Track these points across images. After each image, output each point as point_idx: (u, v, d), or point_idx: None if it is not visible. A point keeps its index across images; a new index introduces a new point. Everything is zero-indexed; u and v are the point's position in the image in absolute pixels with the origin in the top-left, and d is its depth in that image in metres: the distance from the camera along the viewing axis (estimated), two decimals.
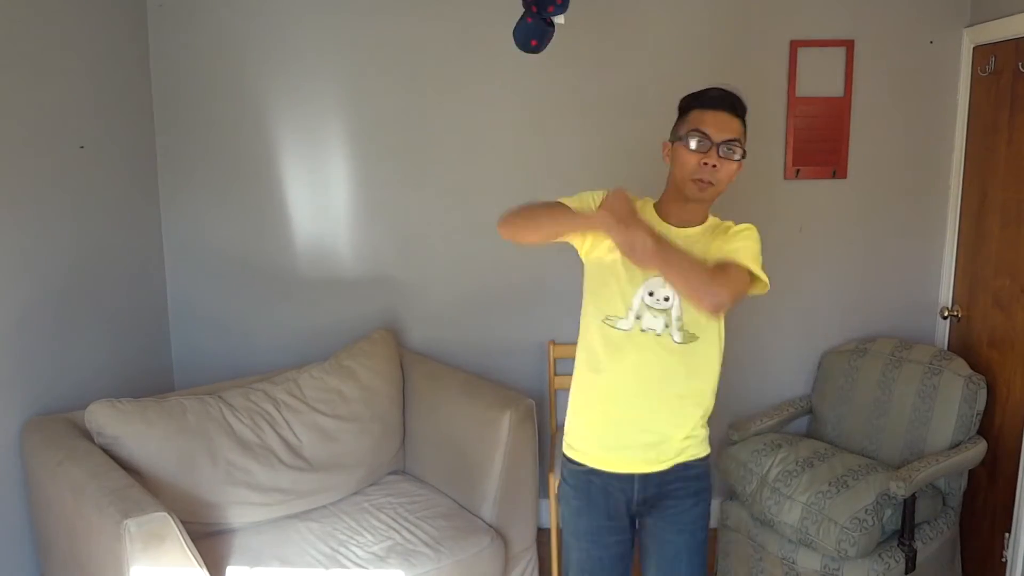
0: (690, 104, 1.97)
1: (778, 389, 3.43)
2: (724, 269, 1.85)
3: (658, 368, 1.94)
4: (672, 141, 1.98)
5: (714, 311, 1.82)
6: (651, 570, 2.06)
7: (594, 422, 2.02)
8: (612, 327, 1.95)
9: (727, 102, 1.92)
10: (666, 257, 1.75)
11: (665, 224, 1.98)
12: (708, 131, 1.89)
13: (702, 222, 2.00)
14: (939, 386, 2.91)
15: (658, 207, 2.04)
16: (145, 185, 3.23)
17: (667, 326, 1.92)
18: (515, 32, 2.55)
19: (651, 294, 1.92)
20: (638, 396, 1.96)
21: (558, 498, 2.16)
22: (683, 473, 2.00)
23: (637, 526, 2.07)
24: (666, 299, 1.91)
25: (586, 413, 2.04)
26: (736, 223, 1.99)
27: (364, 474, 2.93)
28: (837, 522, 2.62)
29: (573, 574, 2.09)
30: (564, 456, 2.09)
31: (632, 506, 2.02)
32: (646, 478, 1.99)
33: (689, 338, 1.93)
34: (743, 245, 1.91)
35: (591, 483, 2.02)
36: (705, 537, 2.05)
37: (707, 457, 2.05)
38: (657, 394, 1.95)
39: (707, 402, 2.01)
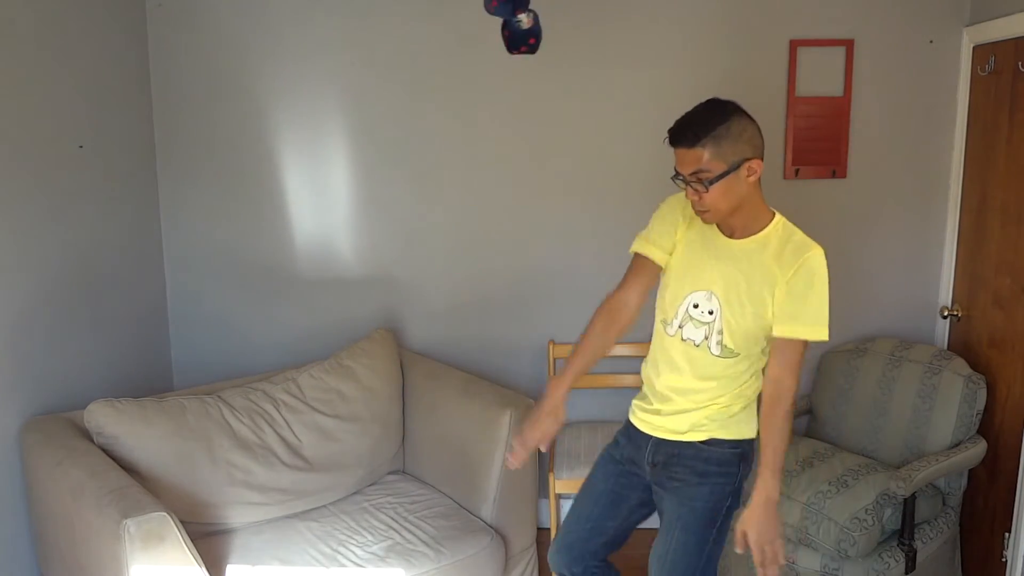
0: None
1: None
2: (786, 364, 1.94)
3: (693, 372, 2.04)
4: None
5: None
6: (659, 534, 2.15)
7: (643, 387, 2.19)
8: (663, 330, 2.09)
9: (680, 135, 1.92)
10: (781, 466, 1.96)
11: (722, 236, 2.03)
12: (678, 168, 1.94)
13: (760, 229, 2.00)
14: (939, 386, 2.91)
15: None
16: (144, 185, 3.23)
17: (706, 338, 2.01)
18: None
19: (696, 306, 2.02)
20: (671, 387, 2.08)
21: None
22: (692, 451, 2.07)
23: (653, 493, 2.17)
24: (710, 312, 2.00)
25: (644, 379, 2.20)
26: (805, 241, 1.97)
27: (364, 474, 2.93)
28: (837, 522, 2.62)
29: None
30: None
31: (646, 465, 2.13)
32: (659, 444, 2.10)
33: (728, 354, 2.00)
34: (808, 306, 1.92)
35: (628, 428, 2.20)
36: (708, 519, 2.06)
37: (730, 443, 2.06)
38: (686, 387, 2.06)
39: (741, 391, 2.06)
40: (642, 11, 3.21)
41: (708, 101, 1.95)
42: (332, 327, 3.38)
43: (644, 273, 2.12)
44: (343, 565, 2.45)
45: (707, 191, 1.90)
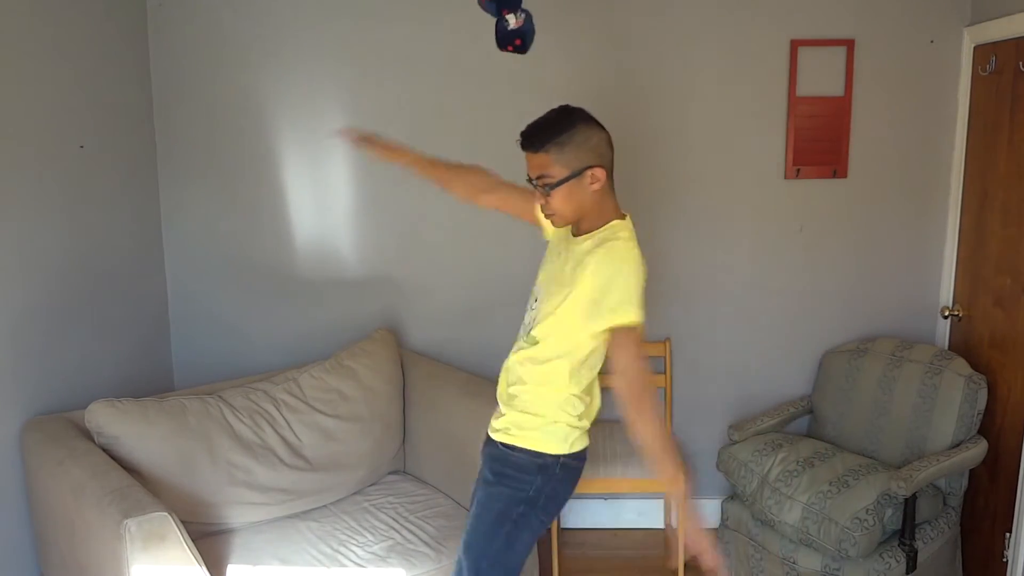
0: None
1: (779, 389, 3.43)
2: (613, 355, 1.93)
3: (514, 358, 2.09)
4: None
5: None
6: None
7: None
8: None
9: (526, 140, 1.98)
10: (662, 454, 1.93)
11: (571, 237, 2.07)
12: (527, 171, 2.00)
13: (592, 230, 2.02)
14: (940, 386, 2.91)
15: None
16: (145, 184, 3.23)
17: (528, 323, 2.09)
18: None
19: (535, 299, 2.10)
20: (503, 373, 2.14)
21: None
22: (497, 452, 2.09)
23: None
24: (535, 300, 2.09)
25: None
26: (611, 240, 1.96)
27: (364, 474, 2.93)
28: (838, 522, 2.62)
29: None
30: None
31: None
32: (487, 440, 2.16)
33: (530, 341, 2.05)
34: (616, 298, 1.90)
35: None
36: (499, 515, 2.04)
37: (531, 452, 2.03)
38: (505, 378, 2.12)
39: (530, 408, 2.04)
40: (644, 11, 3.21)
41: (558, 108, 2.01)
42: (332, 327, 3.38)
43: (516, 197, 2.29)
44: (344, 565, 2.45)
45: (549, 195, 1.96)
